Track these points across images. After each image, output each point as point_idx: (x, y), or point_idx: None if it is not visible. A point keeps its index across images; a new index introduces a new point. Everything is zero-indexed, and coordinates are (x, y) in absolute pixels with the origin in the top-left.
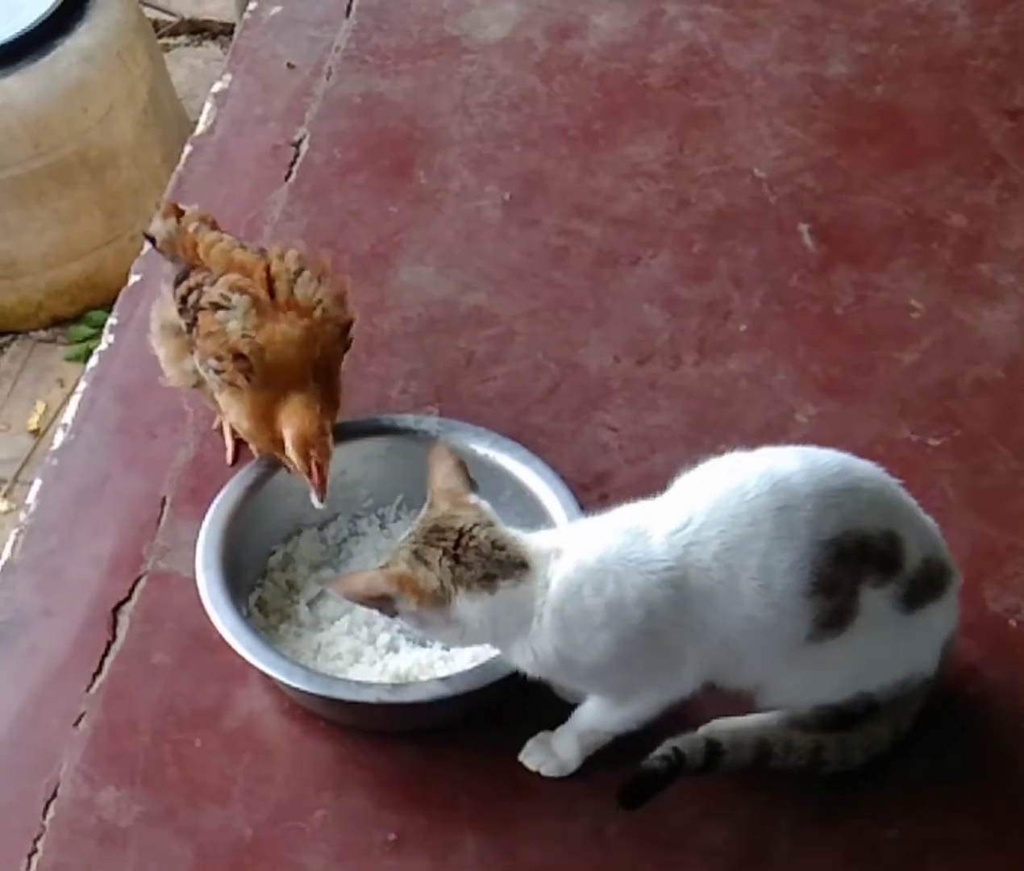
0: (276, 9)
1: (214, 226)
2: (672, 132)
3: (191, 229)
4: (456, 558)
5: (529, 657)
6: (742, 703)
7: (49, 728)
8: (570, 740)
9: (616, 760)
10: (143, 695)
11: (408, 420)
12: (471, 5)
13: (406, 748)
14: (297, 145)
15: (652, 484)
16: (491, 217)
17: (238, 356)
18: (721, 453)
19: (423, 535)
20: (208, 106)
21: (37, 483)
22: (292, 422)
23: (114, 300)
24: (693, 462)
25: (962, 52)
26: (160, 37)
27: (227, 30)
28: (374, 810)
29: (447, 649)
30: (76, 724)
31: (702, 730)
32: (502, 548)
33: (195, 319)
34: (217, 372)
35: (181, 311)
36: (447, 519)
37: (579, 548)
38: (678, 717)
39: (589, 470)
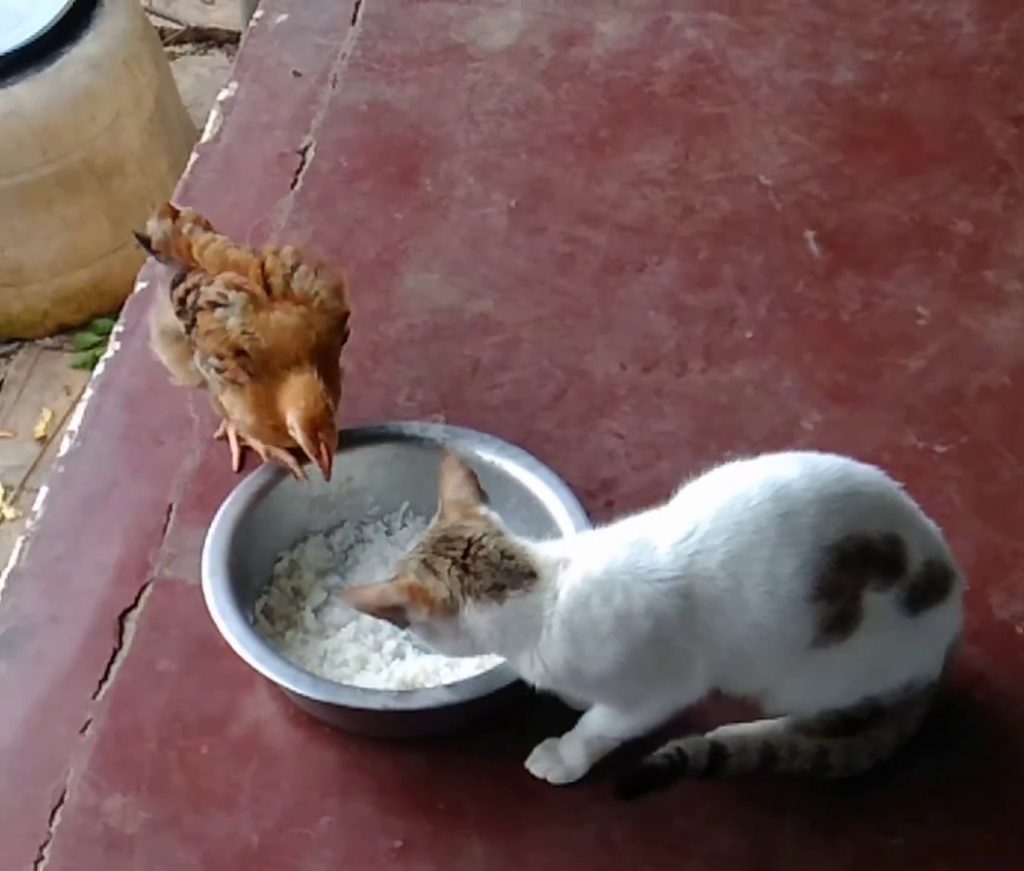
0: (282, 17)
1: (207, 227)
2: (678, 139)
3: (185, 230)
4: (465, 568)
5: (539, 668)
6: (748, 710)
7: (56, 735)
8: (577, 747)
9: (623, 766)
10: (149, 702)
11: (414, 427)
12: (477, 13)
13: (412, 754)
14: (303, 153)
15: (658, 491)
16: (497, 224)
17: (239, 353)
18: (727, 460)
19: (432, 545)
20: (214, 114)
21: (43, 490)
22: (296, 403)
23: (120, 307)
24: (699, 469)
25: (968, 59)
26: (166, 45)
27: (233, 38)
28: (380, 817)
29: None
30: (82, 731)
31: (708, 735)
32: (511, 558)
33: (194, 320)
34: (219, 371)
35: (180, 313)
36: (456, 529)
37: (586, 559)
38: (684, 724)
39: (595, 477)
